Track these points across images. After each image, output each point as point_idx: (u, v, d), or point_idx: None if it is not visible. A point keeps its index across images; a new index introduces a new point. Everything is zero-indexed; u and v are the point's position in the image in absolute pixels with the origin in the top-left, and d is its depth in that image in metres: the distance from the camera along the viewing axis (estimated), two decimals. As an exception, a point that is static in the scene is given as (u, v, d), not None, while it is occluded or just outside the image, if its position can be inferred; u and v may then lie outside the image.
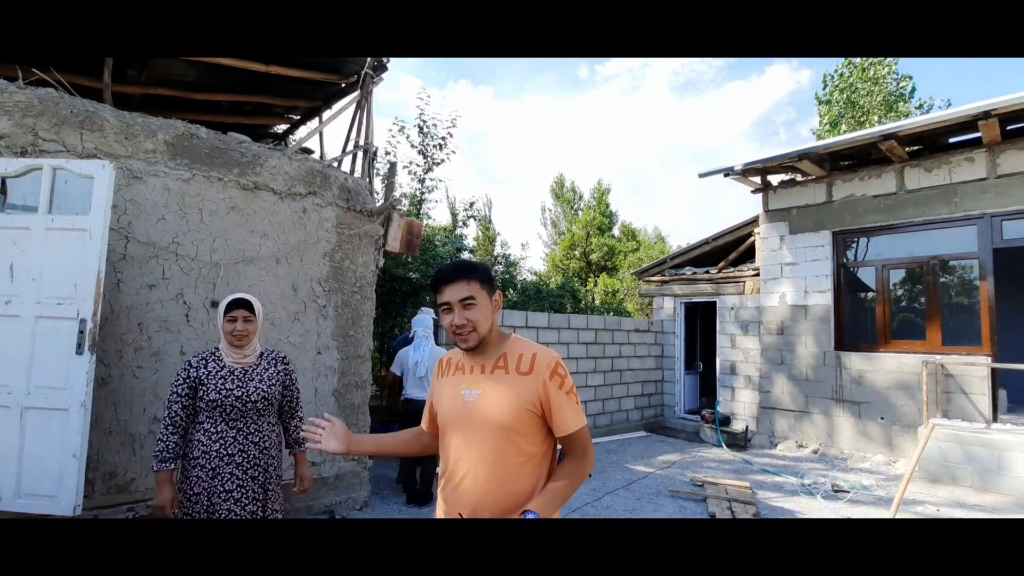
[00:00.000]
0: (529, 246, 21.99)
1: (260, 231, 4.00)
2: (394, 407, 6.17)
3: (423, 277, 7.66)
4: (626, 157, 48.64)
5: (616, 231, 21.69)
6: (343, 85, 5.21)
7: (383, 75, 4.97)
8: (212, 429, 2.24)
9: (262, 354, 2.41)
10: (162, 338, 3.57)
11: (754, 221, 7.97)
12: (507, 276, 11.06)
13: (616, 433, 7.96)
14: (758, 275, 7.78)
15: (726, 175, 7.38)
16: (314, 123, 6.01)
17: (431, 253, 8.26)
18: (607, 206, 21.69)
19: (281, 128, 6.74)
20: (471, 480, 1.43)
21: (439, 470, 1.59)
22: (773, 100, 45.07)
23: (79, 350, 2.92)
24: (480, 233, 16.33)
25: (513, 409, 1.41)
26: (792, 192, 7.43)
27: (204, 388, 2.24)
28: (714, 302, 8.42)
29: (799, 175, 7.36)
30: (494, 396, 1.44)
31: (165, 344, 3.58)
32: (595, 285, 16.99)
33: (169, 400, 2.26)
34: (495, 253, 15.72)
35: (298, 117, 6.30)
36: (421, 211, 9.47)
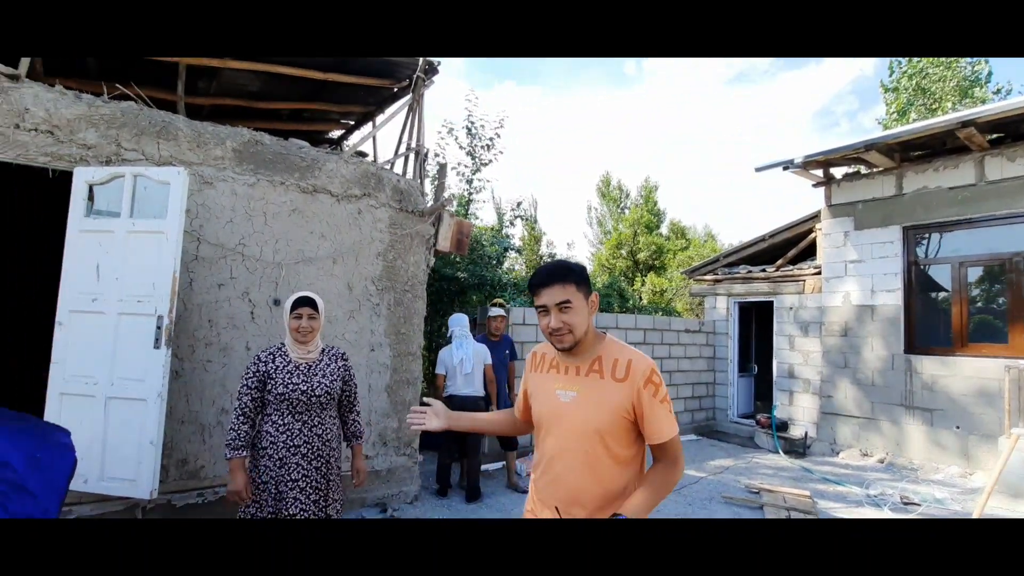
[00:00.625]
0: (575, 245, 21.88)
1: (318, 232, 4.17)
2: None
3: (471, 277, 7.75)
4: (675, 153, 47.49)
5: (664, 229, 21.20)
6: (395, 89, 5.34)
7: (434, 78, 5.06)
8: (279, 421, 2.34)
9: (324, 350, 2.51)
10: (230, 334, 3.78)
11: (815, 216, 7.61)
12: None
13: (666, 436, 7.78)
14: (819, 273, 7.42)
15: (785, 168, 7.07)
16: (368, 127, 6.19)
17: (478, 253, 8.35)
18: (655, 204, 21.24)
19: (337, 134, 6.99)
20: (566, 477, 1.48)
21: (532, 458, 1.65)
22: (834, 90, 42.84)
23: (156, 345, 3.13)
24: (526, 233, 16.36)
25: (607, 415, 1.44)
26: (857, 185, 7.03)
27: (272, 382, 2.34)
28: (771, 302, 8.09)
29: (864, 167, 6.96)
30: (588, 400, 1.47)
31: (232, 340, 3.79)
32: (642, 284, 16.67)
33: (240, 392, 2.38)
34: (541, 253, 15.72)
35: (353, 122, 6.51)
36: (469, 211, 9.58)
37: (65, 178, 3.39)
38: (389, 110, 5.59)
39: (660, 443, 1.44)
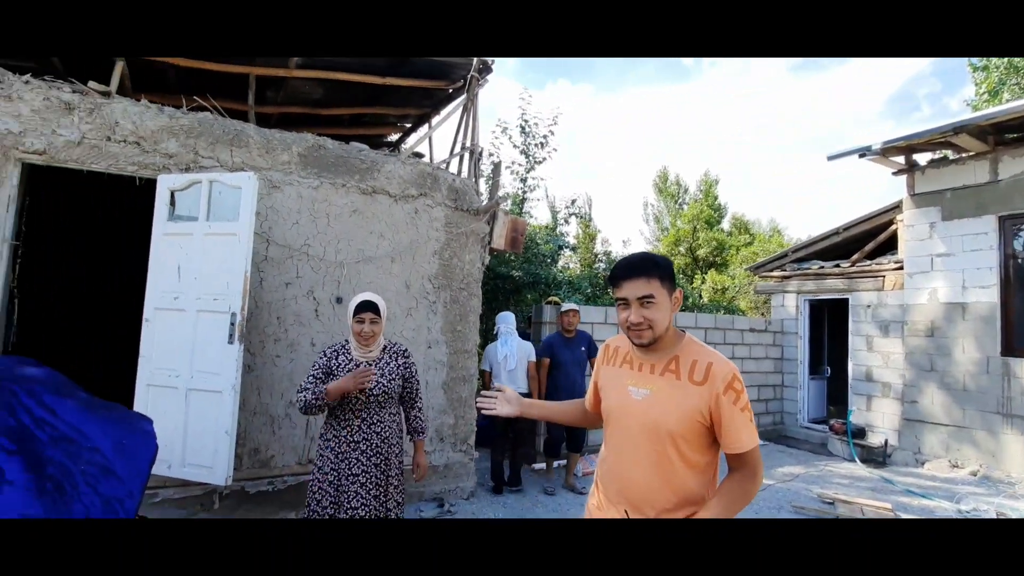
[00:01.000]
0: (631, 243, 21.35)
1: (377, 232, 4.29)
2: None
3: (525, 275, 7.74)
4: (736, 145, 45.52)
5: (726, 224, 20.37)
6: (450, 91, 5.42)
7: (487, 76, 5.09)
8: (341, 416, 2.42)
9: (385, 347, 2.55)
10: (296, 331, 3.95)
11: (895, 207, 7.04)
12: (609, 273, 10.81)
13: (729, 439, 7.46)
14: (901, 268, 6.86)
15: (862, 156, 6.59)
16: (423, 129, 6.31)
17: (533, 251, 8.33)
18: (715, 198, 20.45)
19: (394, 137, 7.18)
20: (633, 476, 1.44)
21: (586, 460, 1.64)
22: (912, 72, 39.60)
23: (230, 340, 3.32)
24: (580, 231, 16.18)
25: (681, 418, 1.38)
26: (945, 172, 6.45)
27: (333, 378, 2.41)
28: (845, 299, 7.57)
29: (952, 152, 6.36)
30: (663, 400, 1.42)
31: (298, 336, 3.96)
32: (702, 282, 16.08)
33: (305, 381, 2.44)
34: (595, 251, 15.49)
35: (409, 125, 6.67)
36: (523, 210, 9.59)
37: (126, 183, 3.65)
38: (444, 111, 5.67)
39: (738, 453, 1.37)
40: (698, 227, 18.55)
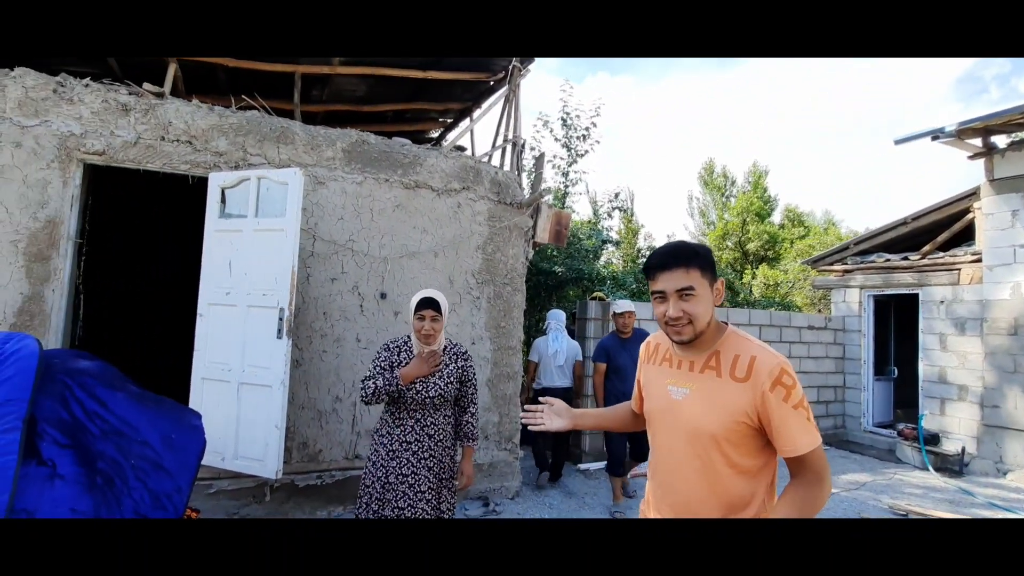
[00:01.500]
0: (675, 237, 20.79)
1: (420, 227, 4.25)
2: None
3: (568, 271, 7.59)
4: (786, 135, 43.59)
5: (777, 217, 19.48)
6: (491, 83, 5.33)
7: (529, 67, 4.97)
8: (396, 414, 2.37)
9: (445, 348, 2.47)
10: (342, 326, 3.97)
11: (971, 194, 6.48)
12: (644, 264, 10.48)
13: (785, 442, 7.07)
14: (979, 260, 6.31)
15: (935, 138, 6.08)
16: (465, 123, 6.26)
17: (575, 247, 8.16)
18: (764, 190, 19.58)
19: (436, 132, 7.17)
20: (676, 483, 1.35)
21: (649, 460, 1.52)
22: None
23: (279, 335, 3.35)
24: (622, 226, 15.84)
25: (723, 419, 1.26)
26: (1031, 155, 5.87)
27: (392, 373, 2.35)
28: (915, 294, 7.04)
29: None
30: (702, 400, 1.30)
31: (344, 331, 3.97)
32: (753, 277, 15.43)
33: (369, 371, 2.39)
34: (638, 246, 15.11)
35: (451, 120, 6.63)
36: (565, 205, 9.42)
37: (175, 180, 3.73)
38: (486, 103, 5.59)
39: (797, 456, 1.22)
40: (748, 220, 17.80)
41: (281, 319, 3.34)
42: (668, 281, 1.29)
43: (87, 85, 3.46)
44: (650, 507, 1.46)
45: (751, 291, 14.07)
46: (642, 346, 1.57)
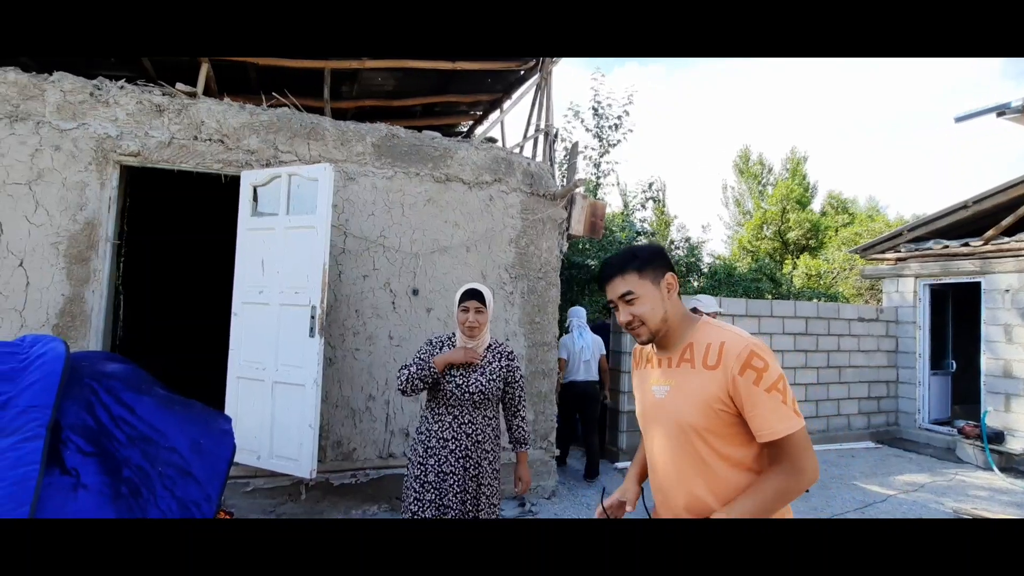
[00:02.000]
0: (710, 228, 20.17)
1: (452, 221, 4.16)
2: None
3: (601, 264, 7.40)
4: (826, 119, 41.85)
5: (817, 205, 18.69)
6: (522, 72, 5.19)
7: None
8: (436, 409, 2.30)
9: (490, 346, 2.38)
10: (374, 323, 3.91)
11: (1043, 175, 5.98)
12: (690, 260, 10.19)
13: (833, 442, 6.74)
14: (1051, 246, 5.83)
15: (1000, 114, 5.61)
16: (495, 115, 6.14)
17: (608, 239, 7.95)
18: (804, 177, 18.81)
19: (466, 126, 7.08)
20: (669, 483, 1.34)
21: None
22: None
23: (311, 333, 3.31)
24: (655, 217, 15.47)
25: (700, 409, 1.25)
26: (1113, 129, 5.36)
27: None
28: (977, 283, 6.57)
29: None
30: (680, 394, 1.31)
31: (377, 329, 3.92)
32: (794, 267, 14.83)
33: (412, 359, 2.32)
34: (671, 238, 14.73)
35: (480, 112, 6.53)
36: (597, 196, 9.21)
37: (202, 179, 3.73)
38: (516, 93, 5.46)
39: (772, 441, 1.19)
40: (787, 208, 17.13)
41: (313, 317, 3.30)
42: (611, 291, 1.35)
43: (122, 87, 3.49)
44: (652, 513, 1.46)
45: (792, 281, 13.52)
46: (632, 353, 1.58)
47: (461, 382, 2.25)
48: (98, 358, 1.63)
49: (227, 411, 3.56)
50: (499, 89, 5.72)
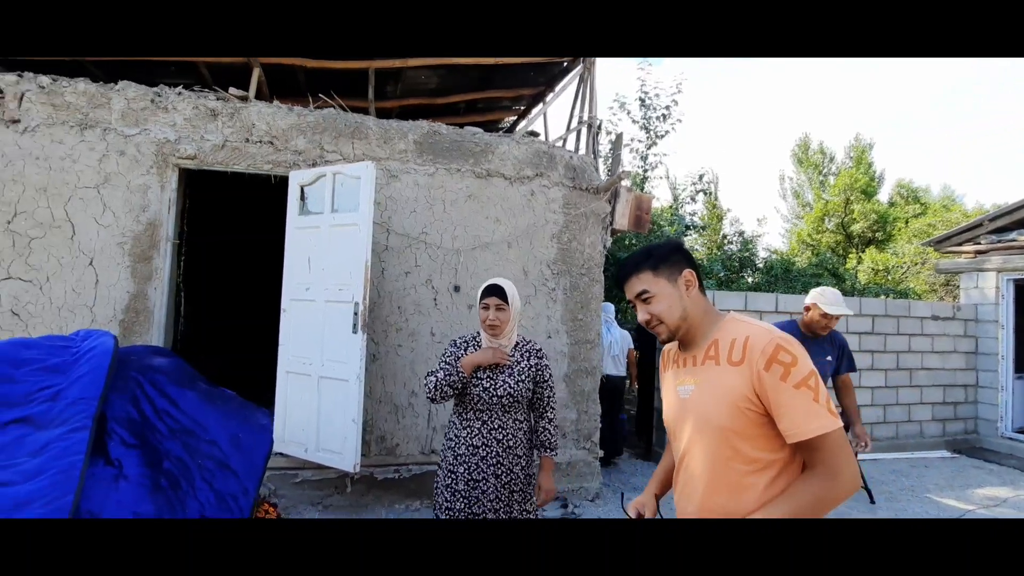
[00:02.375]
0: (766, 221, 19.28)
1: (493, 216, 4.12)
2: None
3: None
4: (894, 103, 39.10)
5: (885, 195, 17.50)
6: (564, 64, 5.09)
7: (605, 43, 4.67)
8: (464, 415, 2.18)
9: (518, 344, 2.24)
10: (416, 320, 3.94)
11: None
12: (744, 255, 9.75)
13: (903, 450, 6.26)
14: None
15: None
16: (538, 109, 6.07)
17: (656, 234, 7.72)
18: (869, 165, 17.65)
19: (509, 121, 7.04)
20: (693, 488, 1.29)
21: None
22: None
23: (354, 330, 3.36)
24: (706, 211, 14.92)
25: (726, 407, 1.19)
26: None
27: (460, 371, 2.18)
28: (1072, 279, 5.93)
29: None
30: (705, 392, 1.26)
31: (419, 325, 3.94)
32: (859, 262, 13.94)
33: (438, 363, 2.27)
34: (724, 232, 14.17)
35: (523, 107, 6.46)
36: (644, 190, 8.97)
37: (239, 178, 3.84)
38: (559, 86, 5.36)
39: (804, 441, 1.11)
40: (851, 198, 16.11)
41: (356, 314, 3.35)
42: (628, 291, 1.35)
43: (179, 93, 3.65)
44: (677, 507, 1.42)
45: (856, 277, 12.73)
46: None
47: (488, 385, 2.13)
48: (145, 352, 1.69)
49: (276, 405, 3.68)
50: (542, 82, 5.64)
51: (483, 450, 2.13)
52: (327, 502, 3.71)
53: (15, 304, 3.36)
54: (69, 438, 1.25)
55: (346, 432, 3.33)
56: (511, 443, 2.15)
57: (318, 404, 3.49)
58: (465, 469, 2.12)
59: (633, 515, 1.47)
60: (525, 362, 2.20)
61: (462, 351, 2.21)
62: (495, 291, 2.14)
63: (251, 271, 7.50)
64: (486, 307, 2.13)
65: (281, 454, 3.58)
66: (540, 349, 2.28)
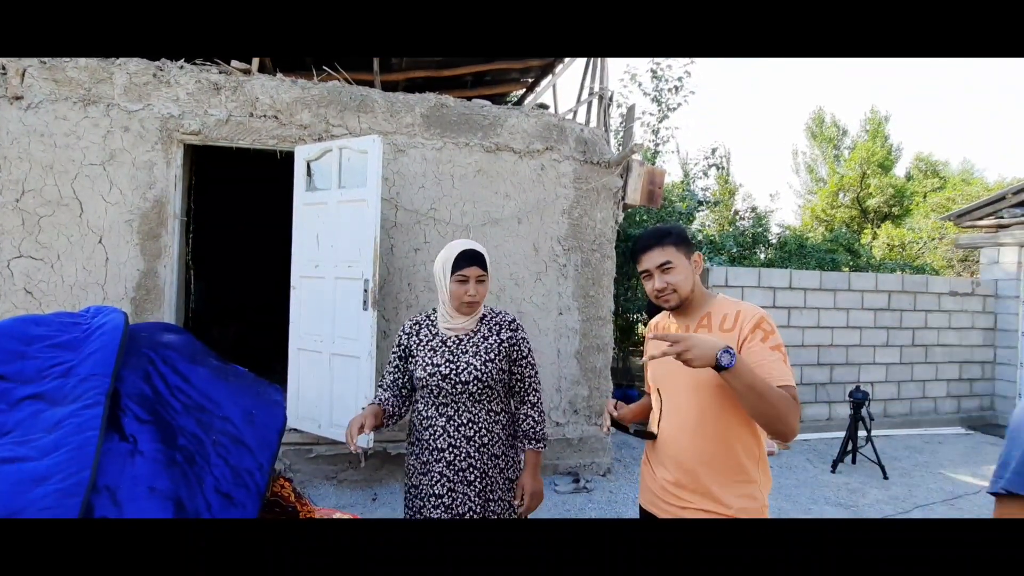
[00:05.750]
0: (779, 196, 19.01)
1: (503, 192, 4.05)
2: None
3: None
4: (911, 74, 37.92)
5: (902, 169, 17.08)
6: (575, 33, 4.94)
7: (618, 10, 4.51)
8: (424, 413, 1.74)
9: (483, 317, 1.77)
10: (427, 297, 3.91)
11: None
12: (757, 231, 9.60)
13: (917, 426, 6.22)
14: None
15: None
16: (547, 80, 5.92)
17: (667, 209, 7.60)
18: (886, 138, 17.20)
19: (517, 94, 6.89)
20: (683, 442, 1.46)
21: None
22: None
23: (364, 307, 3.34)
24: (718, 186, 14.68)
25: None
26: None
27: (413, 361, 1.75)
28: (1097, 252, 5.78)
29: None
30: None
31: (429, 302, 3.92)
32: (874, 237, 13.70)
33: (386, 367, 1.87)
34: (736, 207, 13.96)
35: (532, 79, 6.31)
36: (655, 164, 8.81)
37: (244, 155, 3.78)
38: (568, 56, 5.21)
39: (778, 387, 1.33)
40: (868, 172, 15.75)
41: (366, 291, 3.33)
42: (649, 260, 1.48)
43: (181, 67, 3.58)
44: (651, 465, 1.56)
45: (872, 252, 12.54)
46: (648, 327, 1.73)
47: (448, 371, 1.66)
48: (156, 328, 1.67)
49: (289, 381, 3.70)
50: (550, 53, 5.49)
51: (449, 453, 1.68)
52: (341, 476, 3.75)
53: (28, 282, 3.37)
54: (83, 414, 1.23)
55: (358, 408, 3.33)
56: (485, 440, 1.71)
57: (330, 381, 3.50)
58: (429, 479, 1.70)
59: (611, 411, 1.61)
60: (494, 337, 1.73)
61: (411, 338, 1.77)
62: (474, 259, 1.68)
63: (262, 248, 7.48)
64: (463, 279, 1.67)
65: (295, 429, 3.61)
66: (514, 320, 1.80)
